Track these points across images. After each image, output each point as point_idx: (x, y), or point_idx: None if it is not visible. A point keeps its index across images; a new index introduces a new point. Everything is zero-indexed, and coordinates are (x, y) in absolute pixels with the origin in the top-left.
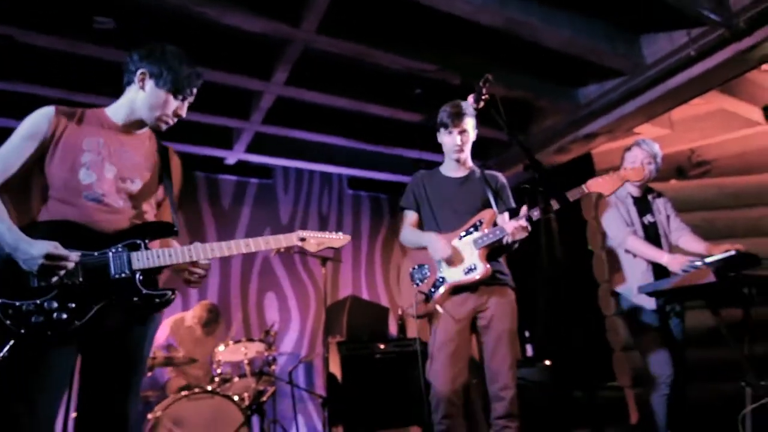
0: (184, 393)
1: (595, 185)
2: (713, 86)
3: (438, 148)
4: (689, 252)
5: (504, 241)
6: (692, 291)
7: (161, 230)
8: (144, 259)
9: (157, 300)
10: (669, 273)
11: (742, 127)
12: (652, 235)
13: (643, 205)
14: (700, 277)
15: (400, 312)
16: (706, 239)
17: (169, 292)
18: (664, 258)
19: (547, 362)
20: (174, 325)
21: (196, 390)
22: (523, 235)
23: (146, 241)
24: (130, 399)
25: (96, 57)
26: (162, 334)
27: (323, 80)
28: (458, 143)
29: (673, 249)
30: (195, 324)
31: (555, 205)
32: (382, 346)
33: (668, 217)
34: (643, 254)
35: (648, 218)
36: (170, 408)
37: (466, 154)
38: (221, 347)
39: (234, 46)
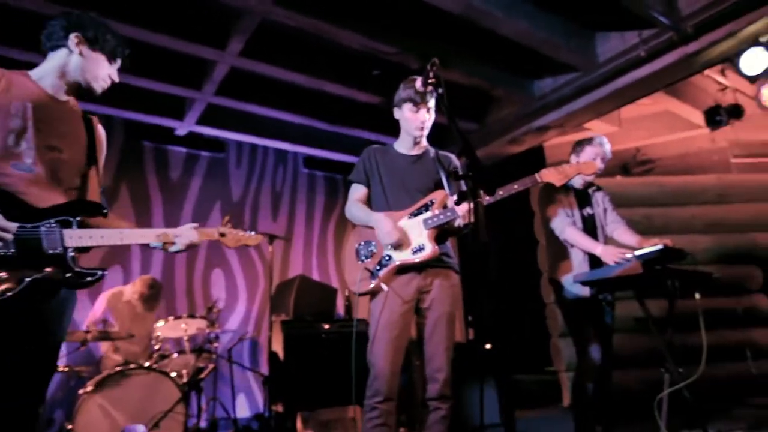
0: (118, 368)
1: (548, 175)
2: (660, 87)
3: (396, 131)
4: (622, 244)
5: (456, 224)
6: (622, 282)
7: (91, 209)
8: (76, 237)
9: (89, 278)
10: (603, 264)
11: (684, 129)
12: (590, 226)
13: (583, 197)
14: (630, 268)
15: (347, 293)
16: (644, 234)
17: (100, 271)
18: (598, 249)
19: (488, 346)
20: (112, 299)
21: (132, 366)
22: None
23: (77, 218)
24: (42, 385)
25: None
26: (99, 307)
27: (280, 54)
28: (424, 120)
29: (609, 241)
30: (135, 299)
31: (484, 195)
32: (326, 326)
33: (605, 210)
34: (580, 245)
35: (587, 210)
36: (103, 384)
37: (425, 134)
38: (160, 323)
39: (188, 13)
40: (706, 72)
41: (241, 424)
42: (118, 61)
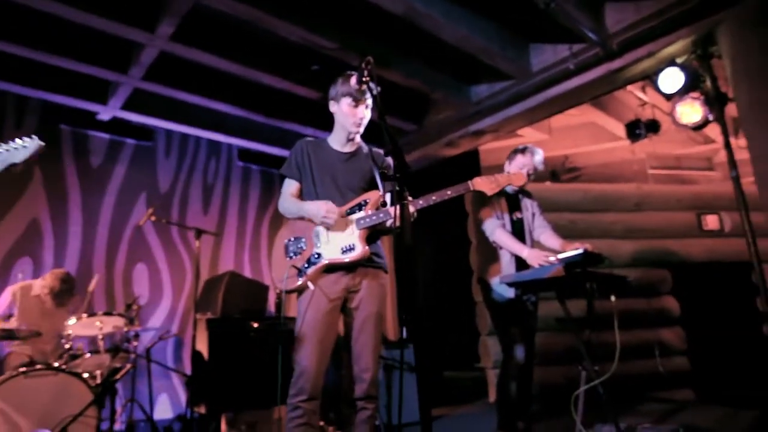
0: (21, 370)
1: (480, 184)
2: (587, 99)
3: (332, 126)
4: (547, 247)
5: (388, 224)
6: (544, 283)
7: None
8: None
9: None
10: (529, 266)
11: (608, 140)
12: (518, 230)
13: (513, 202)
14: (552, 271)
15: (277, 289)
16: (568, 238)
17: None
18: (524, 252)
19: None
20: (19, 293)
21: (38, 366)
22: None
23: None
24: None
25: None
26: (3, 301)
27: (214, 41)
28: (362, 116)
29: (535, 244)
30: (44, 294)
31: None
32: (255, 325)
33: (533, 215)
34: (508, 247)
35: (516, 214)
36: (4, 386)
37: (361, 131)
38: (72, 320)
39: None
40: (629, 88)
41: (162, 425)
42: None
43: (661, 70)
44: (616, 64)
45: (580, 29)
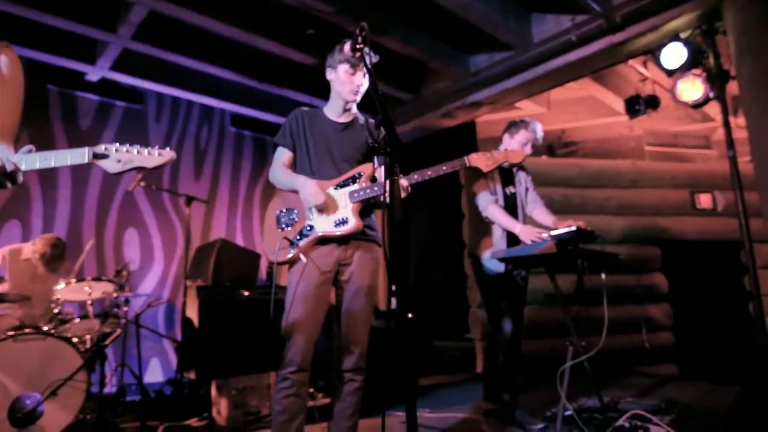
0: (10, 333)
1: (476, 160)
2: (587, 73)
3: (329, 95)
4: (539, 224)
5: (382, 198)
6: (535, 259)
7: None
8: None
9: None
10: (521, 242)
11: (606, 115)
12: (511, 204)
13: (507, 176)
14: (545, 248)
15: (269, 261)
16: (562, 213)
17: None
18: (517, 228)
19: (409, 315)
20: (9, 256)
21: (27, 330)
22: (402, 195)
23: None
24: None
25: None
26: None
27: (208, 2)
28: (359, 83)
29: (528, 219)
30: (35, 258)
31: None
32: (246, 293)
33: (527, 189)
34: (500, 222)
35: (510, 189)
36: None
37: (358, 100)
38: (61, 285)
39: None
40: (630, 62)
41: (152, 389)
42: None
43: (664, 45)
44: (618, 37)
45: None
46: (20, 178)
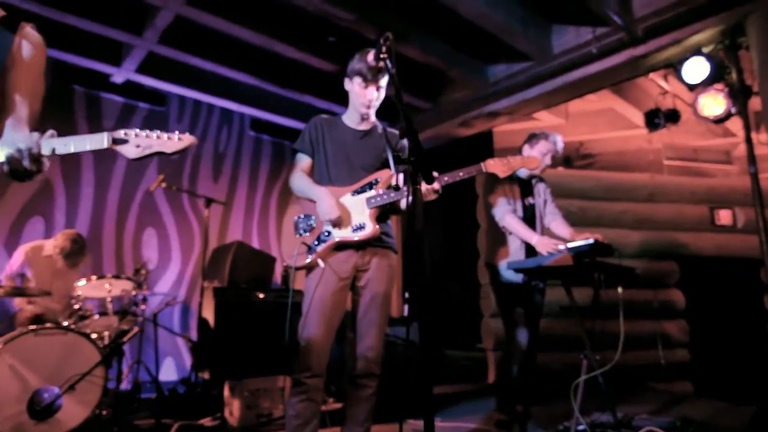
0: (31, 327)
1: (492, 166)
2: (607, 85)
3: (348, 102)
4: (557, 236)
5: (400, 205)
6: (551, 271)
7: None
8: None
9: None
10: (538, 253)
11: (625, 128)
12: (530, 216)
13: (526, 187)
14: (560, 260)
15: (285, 263)
16: (578, 226)
17: None
18: (534, 239)
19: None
20: (31, 252)
21: (47, 325)
22: (432, 197)
23: None
24: None
25: None
26: (16, 260)
27: (231, 7)
28: (371, 98)
29: (545, 231)
30: (56, 254)
31: (424, 185)
32: (261, 295)
33: (545, 201)
34: (517, 233)
35: (528, 200)
36: (13, 342)
37: (372, 113)
38: (82, 282)
39: None
40: (650, 75)
41: (166, 387)
42: None
43: (686, 59)
44: (640, 50)
45: (606, 12)
46: (46, 165)
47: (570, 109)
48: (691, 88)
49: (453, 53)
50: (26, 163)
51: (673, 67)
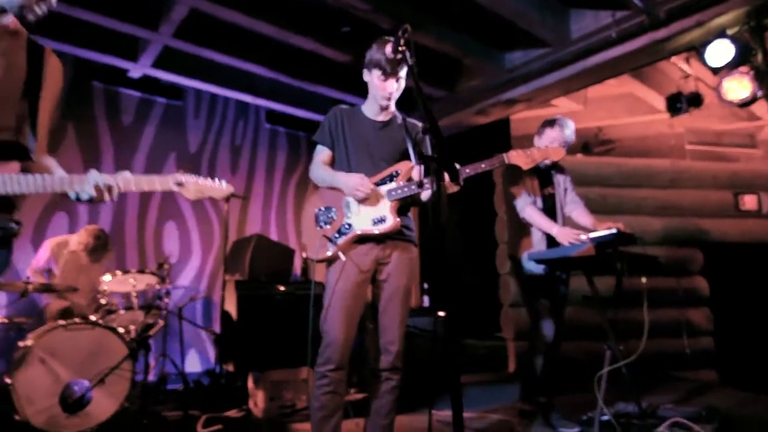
0: (61, 322)
1: (515, 157)
2: (627, 70)
3: (363, 92)
4: (578, 225)
5: (423, 197)
6: (573, 262)
7: (12, 152)
8: None
9: None
10: (560, 243)
11: (646, 113)
12: (550, 206)
13: (545, 177)
14: (584, 250)
15: (304, 255)
16: (597, 213)
17: (14, 224)
18: (554, 230)
19: (441, 313)
20: (56, 248)
21: (76, 320)
22: (454, 190)
23: None
24: None
25: None
26: (42, 255)
27: (245, 0)
28: (391, 91)
29: (566, 220)
30: (80, 250)
31: (447, 179)
32: (281, 288)
33: (566, 190)
34: (538, 224)
35: (548, 190)
36: (44, 337)
37: (392, 104)
38: (107, 277)
39: None
40: (672, 59)
41: (191, 378)
42: None
43: (710, 41)
44: (661, 33)
45: None
46: (111, 196)
47: (589, 95)
48: (715, 71)
49: (468, 41)
50: (107, 197)
51: (696, 50)
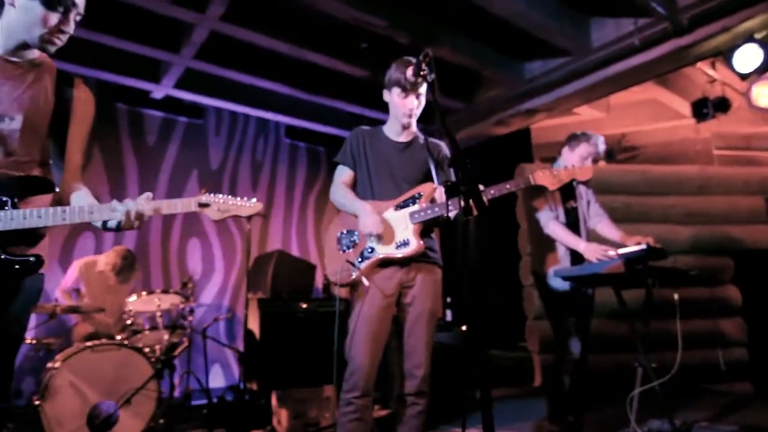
0: (88, 344)
1: (541, 178)
2: (650, 77)
3: (380, 106)
4: (605, 239)
5: (444, 218)
6: (602, 278)
7: (38, 187)
8: (7, 219)
9: (17, 266)
10: (585, 259)
11: (670, 119)
12: (573, 219)
13: (567, 190)
14: (612, 267)
15: (326, 272)
16: (622, 222)
17: (32, 258)
18: (581, 246)
19: (463, 327)
20: (84, 268)
21: (103, 341)
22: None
23: (15, 199)
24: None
25: None
26: (70, 276)
27: (263, 20)
28: (412, 107)
29: (591, 234)
30: (108, 270)
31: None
32: (303, 305)
33: (589, 202)
34: (562, 240)
35: (571, 203)
36: (72, 358)
37: (414, 121)
38: (133, 297)
39: None
40: (698, 64)
41: (215, 394)
42: (71, 9)
43: (737, 46)
44: (685, 40)
45: (648, 2)
46: (141, 224)
47: (611, 102)
48: (744, 77)
49: (487, 52)
50: (135, 224)
51: (723, 55)
